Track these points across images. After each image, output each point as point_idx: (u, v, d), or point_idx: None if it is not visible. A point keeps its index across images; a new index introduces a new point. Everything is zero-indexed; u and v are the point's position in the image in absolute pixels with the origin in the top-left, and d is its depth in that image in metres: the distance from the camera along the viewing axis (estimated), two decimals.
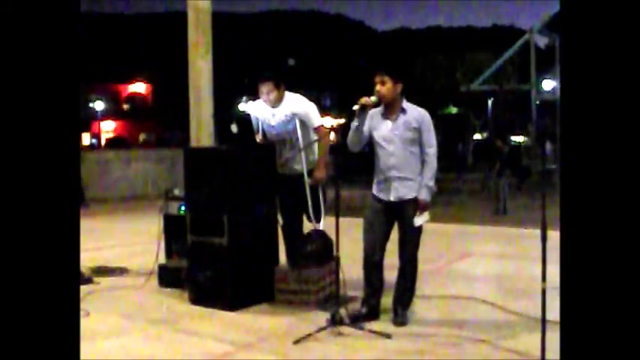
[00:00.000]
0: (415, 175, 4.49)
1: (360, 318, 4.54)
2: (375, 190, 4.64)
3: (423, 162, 4.51)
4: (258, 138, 5.60)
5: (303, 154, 5.38)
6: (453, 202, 14.33)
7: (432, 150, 4.50)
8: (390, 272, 4.70)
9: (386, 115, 4.57)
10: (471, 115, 37.61)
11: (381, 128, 4.57)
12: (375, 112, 4.61)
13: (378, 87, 4.51)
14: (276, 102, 5.42)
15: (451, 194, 15.92)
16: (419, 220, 4.45)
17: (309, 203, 5.36)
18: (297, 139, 5.39)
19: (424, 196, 4.45)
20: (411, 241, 4.52)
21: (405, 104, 4.56)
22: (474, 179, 18.82)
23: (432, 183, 4.47)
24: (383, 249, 4.61)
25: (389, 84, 4.50)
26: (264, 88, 5.37)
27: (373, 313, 4.62)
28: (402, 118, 4.52)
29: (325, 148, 5.43)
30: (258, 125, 5.59)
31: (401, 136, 4.50)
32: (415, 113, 4.54)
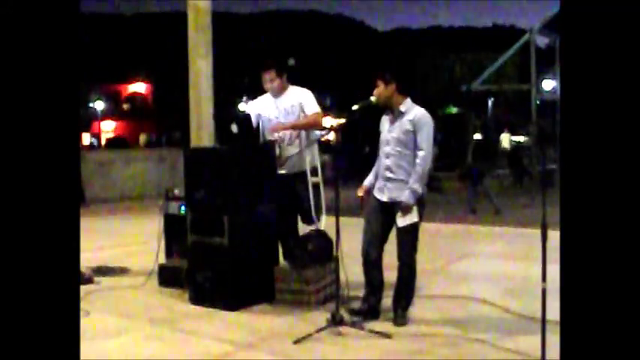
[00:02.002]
0: (408, 177, 4.49)
1: (359, 313, 4.58)
2: (374, 190, 4.67)
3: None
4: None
5: (304, 152, 5.39)
6: (453, 201, 14.32)
7: (422, 153, 4.46)
8: (392, 273, 4.69)
9: (388, 117, 4.63)
10: (471, 115, 37.59)
11: (384, 129, 4.65)
12: (385, 114, 4.71)
13: (375, 90, 4.60)
14: (279, 91, 5.47)
15: (450, 194, 15.92)
16: (401, 221, 4.45)
17: (312, 202, 5.37)
18: (297, 135, 5.40)
19: (405, 197, 4.43)
20: (405, 242, 4.52)
21: (406, 106, 4.57)
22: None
23: (416, 186, 4.43)
24: (380, 247, 4.63)
25: (381, 86, 4.57)
26: (267, 76, 5.43)
27: (373, 312, 4.63)
28: (399, 121, 4.56)
29: (309, 123, 5.40)
30: (258, 124, 5.60)
31: (396, 138, 4.53)
32: (411, 115, 4.54)
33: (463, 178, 12.78)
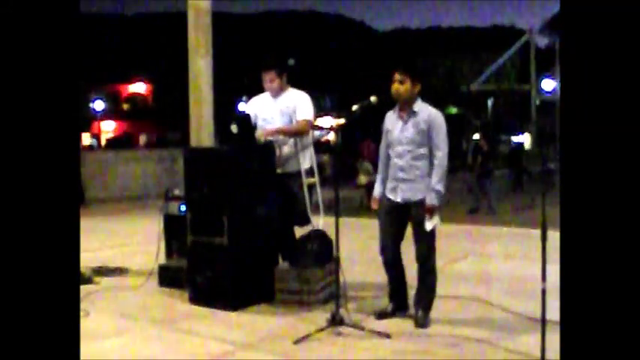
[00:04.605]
0: (423, 177, 4.48)
1: (387, 315, 4.62)
2: (386, 189, 4.65)
3: (432, 164, 4.47)
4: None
5: (299, 152, 5.39)
6: (453, 202, 14.33)
7: (440, 153, 4.44)
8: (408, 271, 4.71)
9: (399, 116, 4.58)
10: (471, 115, 37.62)
11: (394, 129, 4.59)
12: (391, 113, 4.66)
13: (396, 85, 4.50)
14: (278, 91, 5.46)
15: (450, 194, 15.91)
16: (429, 225, 4.44)
17: (307, 202, 5.36)
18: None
19: (431, 200, 4.41)
20: (422, 243, 4.50)
21: (418, 106, 4.54)
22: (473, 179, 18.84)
23: (439, 187, 4.42)
24: (396, 247, 4.63)
25: (407, 84, 4.50)
26: (267, 76, 5.43)
27: (401, 310, 4.67)
28: (412, 120, 4.52)
29: (294, 131, 5.39)
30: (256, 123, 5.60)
31: (409, 137, 4.50)
32: (425, 115, 4.51)
33: (480, 178, 12.75)
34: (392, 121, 4.63)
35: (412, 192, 4.49)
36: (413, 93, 4.51)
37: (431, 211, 4.42)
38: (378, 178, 4.77)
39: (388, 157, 4.67)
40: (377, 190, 4.76)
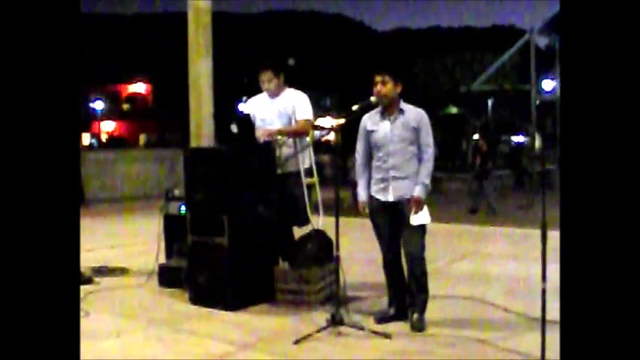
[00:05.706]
0: (413, 174, 4.49)
1: (388, 319, 4.57)
2: (373, 191, 4.62)
3: (420, 161, 4.50)
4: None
5: (299, 152, 5.40)
6: (453, 202, 14.34)
7: (429, 149, 4.50)
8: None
9: (384, 116, 4.58)
10: (471, 115, 37.61)
11: (380, 129, 4.58)
12: (371, 114, 4.64)
13: (378, 87, 4.51)
14: (276, 92, 5.45)
15: (450, 194, 15.94)
16: (416, 219, 4.43)
17: (307, 202, 5.37)
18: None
19: (418, 192, 4.42)
20: (415, 242, 4.47)
21: (403, 105, 4.57)
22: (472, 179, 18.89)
23: (427, 181, 4.46)
24: (397, 247, 4.60)
25: (390, 84, 4.50)
26: (264, 77, 5.42)
27: (402, 314, 4.63)
28: (400, 119, 4.53)
29: (296, 131, 5.39)
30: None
31: (400, 136, 4.50)
32: (414, 113, 4.54)
33: (479, 178, 12.79)
34: (374, 122, 4.61)
35: (406, 189, 4.47)
36: (396, 93, 4.53)
37: (417, 204, 4.42)
38: (361, 182, 4.70)
39: (370, 158, 4.65)
40: (363, 194, 4.67)
